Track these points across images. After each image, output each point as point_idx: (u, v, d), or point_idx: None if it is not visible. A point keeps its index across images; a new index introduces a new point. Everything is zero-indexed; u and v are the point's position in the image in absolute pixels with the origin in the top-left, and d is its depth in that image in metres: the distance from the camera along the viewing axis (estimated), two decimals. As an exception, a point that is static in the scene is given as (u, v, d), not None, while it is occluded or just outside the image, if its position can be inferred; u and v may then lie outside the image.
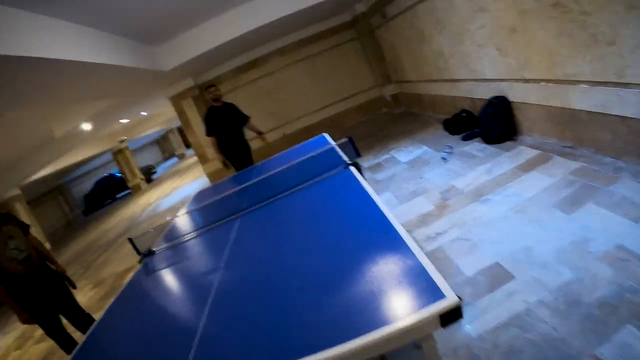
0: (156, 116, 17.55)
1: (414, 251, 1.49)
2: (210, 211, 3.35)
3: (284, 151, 5.07)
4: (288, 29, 8.93)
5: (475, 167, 4.55)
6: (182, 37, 7.09)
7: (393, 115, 9.58)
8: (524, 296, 2.38)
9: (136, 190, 20.36)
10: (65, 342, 3.79)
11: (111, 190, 22.66)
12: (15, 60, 3.42)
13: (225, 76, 9.99)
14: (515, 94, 4.75)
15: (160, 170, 26.93)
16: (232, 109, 6.02)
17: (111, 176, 23.23)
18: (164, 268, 2.75)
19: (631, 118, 3.23)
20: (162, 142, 37.52)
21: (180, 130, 33.10)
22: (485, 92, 5.39)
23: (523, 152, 4.45)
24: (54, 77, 4.51)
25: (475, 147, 5.12)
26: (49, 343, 5.18)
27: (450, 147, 5.25)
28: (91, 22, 4.76)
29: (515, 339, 2.14)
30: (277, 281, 1.86)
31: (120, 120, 12.83)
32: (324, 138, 4.45)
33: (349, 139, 3.06)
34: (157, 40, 6.85)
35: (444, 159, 5.09)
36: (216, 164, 9.65)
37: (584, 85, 3.63)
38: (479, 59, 5.25)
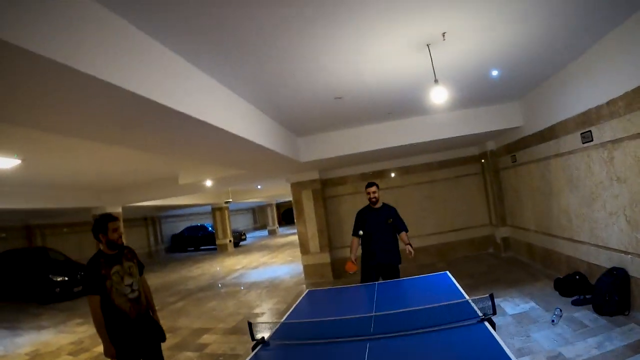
0: (266, 191, 18.71)
1: None
2: (331, 323, 3.29)
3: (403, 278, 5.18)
4: (419, 150, 9.47)
5: (585, 337, 4.41)
6: (324, 136, 7.83)
7: (499, 258, 9.52)
8: None
9: (222, 250, 21.08)
10: None
11: (198, 240, 23.59)
12: (174, 115, 3.63)
13: (349, 179, 10.67)
14: (637, 269, 4.71)
15: (249, 238, 27.78)
16: (391, 213, 5.74)
17: (203, 227, 24.22)
18: None
19: None
20: (257, 212, 39.07)
21: (278, 207, 34.56)
22: (604, 261, 5.37)
23: (635, 331, 4.33)
24: (199, 139, 4.94)
25: (586, 315, 4.99)
26: None
27: (560, 310, 5.13)
28: (246, 95, 5.10)
29: None
30: None
31: (235, 187, 13.90)
32: (447, 276, 4.54)
33: (490, 295, 3.02)
34: (301, 132, 7.60)
35: (552, 321, 4.96)
36: (316, 258, 10.08)
37: None
38: (606, 226, 5.29)
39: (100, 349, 6.09)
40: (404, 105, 6.59)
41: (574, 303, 5.43)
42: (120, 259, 3.72)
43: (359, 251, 5.74)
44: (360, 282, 5.47)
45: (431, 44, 4.05)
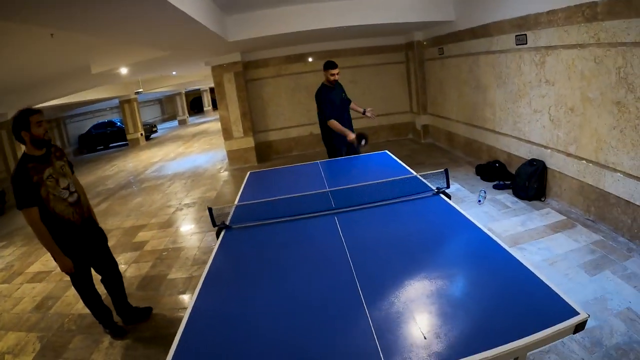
0: (180, 77, 17.72)
1: (547, 283, 1.88)
2: (289, 201, 3.31)
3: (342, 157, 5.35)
4: (348, 35, 9.35)
5: (509, 217, 5.06)
6: (255, 14, 7.30)
7: (420, 143, 10.15)
8: None
9: (134, 145, 20.11)
10: (90, 296, 3.65)
11: (108, 138, 22.15)
12: None
13: (273, 61, 10.36)
14: (555, 162, 5.31)
15: (159, 130, 26.58)
16: (342, 88, 5.69)
17: (111, 123, 22.70)
18: (266, 242, 2.87)
19: None
20: (165, 103, 37.32)
21: (187, 96, 33.18)
22: (524, 152, 5.97)
23: (551, 214, 5.02)
24: (126, 9, 4.03)
25: (507, 198, 5.65)
26: (45, 285, 5.20)
27: (485, 192, 5.69)
28: None
29: None
30: (412, 274, 2.14)
31: (149, 74, 12.96)
32: (387, 154, 4.87)
33: (445, 170, 3.36)
34: (231, 9, 7.04)
35: (479, 201, 5.56)
36: (239, 143, 10.02)
37: (620, 174, 4.25)
38: (529, 122, 5.80)
39: (35, 267, 5.92)
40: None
41: (495, 187, 6.08)
42: (49, 159, 3.26)
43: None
44: (329, 157, 5.61)
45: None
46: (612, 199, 4.38)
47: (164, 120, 35.17)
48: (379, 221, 2.95)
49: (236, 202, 3.73)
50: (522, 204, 5.42)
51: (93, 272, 3.67)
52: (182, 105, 30.74)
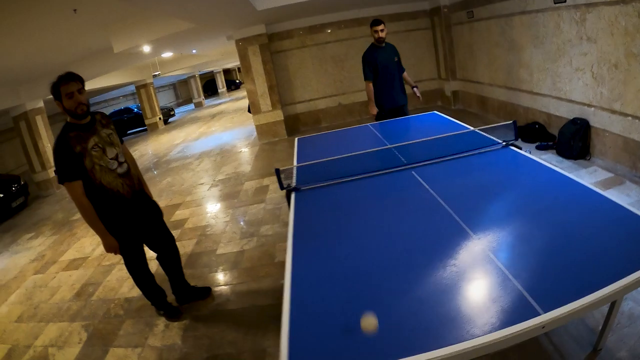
0: (197, 58, 17.67)
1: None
2: (354, 159, 3.24)
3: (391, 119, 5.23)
4: (372, 2, 9.39)
5: None
6: None
7: (450, 110, 10.01)
8: None
9: (153, 129, 20.12)
10: (143, 276, 3.48)
11: (125, 124, 21.97)
12: None
13: (296, 32, 10.29)
14: (599, 120, 5.26)
15: (176, 114, 26.56)
16: (395, 51, 5.53)
17: (128, 109, 22.67)
18: (344, 206, 2.77)
19: None
20: (178, 87, 37.43)
21: (201, 78, 33.12)
22: (565, 112, 5.90)
23: (598, 172, 5.03)
24: None
25: (552, 157, 5.66)
26: (82, 272, 5.09)
27: (530, 151, 5.64)
28: None
29: (633, 309, 2.68)
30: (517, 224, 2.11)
31: (167, 54, 12.90)
32: (437, 114, 4.83)
33: (513, 122, 3.35)
34: None
35: (525, 160, 5.52)
36: (268, 116, 9.99)
37: None
38: (570, 80, 5.72)
39: (69, 255, 5.82)
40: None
41: (539, 148, 6.07)
42: (93, 127, 3.00)
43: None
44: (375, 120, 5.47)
45: None
46: None
47: (179, 105, 35.35)
48: (459, 172, 2.94)
49: (295, 164, 3.61)
50: (568, 162, 5.41)
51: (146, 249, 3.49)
52: (197, 87, 30.67)
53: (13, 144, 13.45)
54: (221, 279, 4.23)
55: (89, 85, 12.19)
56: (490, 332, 1.38)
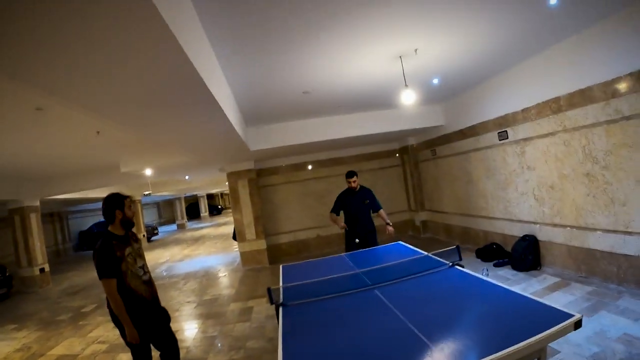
0: (187, 182, 18.43)
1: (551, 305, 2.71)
2: (329, 282, 3.78)
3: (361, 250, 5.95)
4: (350, 144, 10.53)
5: (511, 286, 5.54)
6: (270, 127, 8.45)
7: (419, 238, 10.81)
8: None
9: None
10: None
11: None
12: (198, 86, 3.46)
13: (282, 169, 11.39)
14: (545, 234, 6.20)
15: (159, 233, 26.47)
16: (367, 195, 6.48)
17: None
18: (320, 318, 3.17)
19: (632, 256, 4.78)
20: (162, 207, 37.74)
21: (186, 201, 33.70)
22: (517, 231, 6.84)
23: (547, 279, 5.79)
24: (186, 116, 4.60)
25: (507, 272, 6.42)
26: None
27: (487, 270, 6.42)
28: (230, 78, 5.09)
29: None
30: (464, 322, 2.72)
31: (166, 177, 13.71)
32: (401, 244, 5.60)
33: (457, 247, 4.18)
34: (253, 123, 8.10)
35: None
36: (252, 245, 10.67)
37: (600, 232, 5.18)
38: (518, 204, 6.77)
39: (57, 350, 5.95)
40: (359, 102, 7.47)
41: (496, 265, 6.84)
42: (129, 240, 3.66)
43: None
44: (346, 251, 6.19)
45: (403, 56, 5.03)
46: (597, 254, 5.26)
47: (161, 224, 35.19)
48: (413, 291, 3.53)
49: (281, 285, 4.12)
50: (521, 275, 6.18)
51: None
52: (181, 209, 31.16)
53: (3, 233, 13.60)
54: None
55: (81, 194, 13.24)
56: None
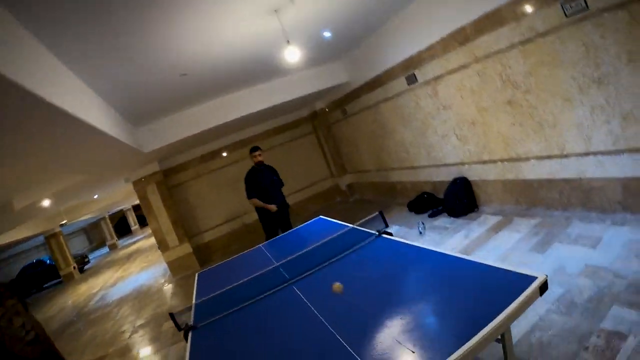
0: (99, 201, 17.32)
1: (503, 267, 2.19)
2: (244, 286, 3.41)
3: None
4: (255, 121, 9.81)
5: (452, 235, 5.34)
6: (163, 122, 7.51)
7: (349, 203, 10.45)
8: (535, 311, 3.07)
9: (68, 280, 18.84)
10: None
11: (40, 278, 20.49)
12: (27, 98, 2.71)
13: (190, 164, 10.47)
14: (475, 173, 5.79)
15: (91, 259, 25.36)
16: (274, 171, 6.38)
17: (41, 262, 21.11)
18: (234, 333, 2.83)
19: (572, 179, 4.41)
20: (89, 231, 35.95)
21: (112, 219, 32.22)
22: (445, 175, 6.41)
23: (488, 219, 5.40)
24: (53, 131, 3.81)
25: (444, 221, 5.97)
26: None
27: (423, 224, 6.01)
28: (87, 79, 4.25)
29: (542, 337, 2.84)
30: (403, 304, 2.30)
31: (71, 202, 12.60)
32: (322, 219, 5.16)
33: (379, 213, 3.67)
34: (140, 121, 7.17)
35: (420, 232, 5.82)
36: (177, 251, 9.92)
37: (534, 160, 4.77)
38: (440, 148, 6.31)
39: None
40: (247, 73, 6.70)
41: (431, 216, 6.40)
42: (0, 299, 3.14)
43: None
44: (266, 240, 5.79)
45: (278, 10, 4.30)
46: (535, 184, 4.87)
47: (93, 249, 33.49)
48: (336, 276, 3.04)
49: (193, 301, 3.71)
50: (459, 220, 5.76)
51: None
52: (108, 229, 29.71)
53: None
54: None
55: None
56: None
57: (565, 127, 4.26)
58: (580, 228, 4.12)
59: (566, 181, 4.48)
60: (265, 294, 3.18)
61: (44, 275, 20.64)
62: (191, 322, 3.14)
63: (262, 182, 6.12)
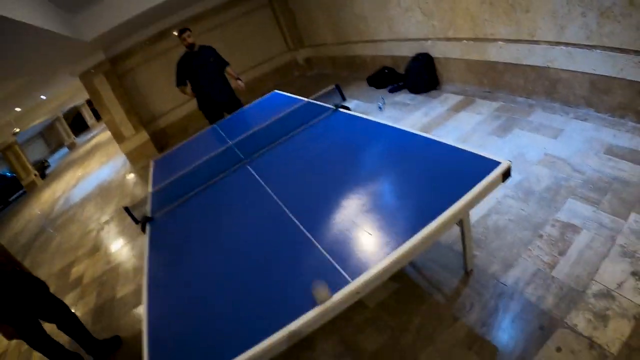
0: (48, 102, 16.46)
1: (466, 149, 2.11)
2: (199, 170, 3.35)
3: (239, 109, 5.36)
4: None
5: (412, 112, 5.26)
6: (101, 5, 6.78)
7: (307, 77, 10.18)
8: (493, 195, 3.08)
9: (31, 188, 18.47)
10: (51, 348, 3.36)
11: (4, 193, 19.54)
12: None
13: (137, 48, 9.74)
14: (438, 50, 5.53)
15: (52, 163, 24.69)
16: (210, 52, 5.79)
17: (1, 177, 20.07)
18: (194, 216, 2.82)
19: (539, 67, 4.18)
20: (46, 133, 34.69)
21: (66, 117, 31.06)
22: (407, 51, 6.12)
23: (450, 98, 5.29)
24: None
25: (405, 97, 5.86)
26: None
27: (383, 99, 5.84)
28: None
29: (498, 221, 2.92)
30: (352, 184, 2.24)
31: (17, 108, 11.91)
32: (278, 93, 4.98)
33: (336, 86, 3.48)
34: (76, 8, 6.48)
35: (380, 108, 5.73)
36: (134, 141, 9.65)
37: (501, 42, 4.51)
38: (403, 21, 5.95)
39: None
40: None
41: (391, 91, 6.26)
42: None
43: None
44: (210, 124, 5.56)
45: None
46: (500, 67, 4.67)
47: (52, 152, 32.56)
48: (291, 154, 3.01)
49: (149, 191, 3.61)
50: (420, 97, 5.65)
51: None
52: (64, 129, 28.79)
53: None
54: (128, 322, 4.05)
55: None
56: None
57: (538, 13, 3.95)
58: (542, 117, 4.05)
59: (532, 68, 4.29)
60: (220, 176, 3.15)
61: (7, 190, 19.84)
62: (149, 214, 3.11)
63: (196, 69, 5.61)
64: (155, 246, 2.64)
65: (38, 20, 4.33)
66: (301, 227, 2.03)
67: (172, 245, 2.60)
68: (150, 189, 3.72)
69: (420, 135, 2.43)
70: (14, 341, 5.00)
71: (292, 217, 2.15)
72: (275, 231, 2.14)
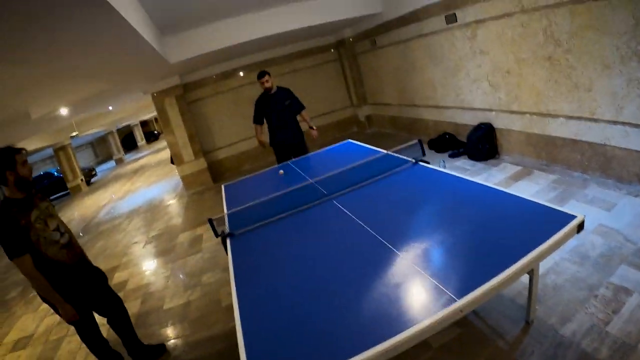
0: (111, 114, 17.30)
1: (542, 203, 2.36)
2: (280, 199, 3.45)
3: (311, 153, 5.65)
4: (280, 42, 9.59)
5: (472, 177, 5.29)
6: (190, 33, 7.30)
7: (366, 134, 10.51)
8: (551, 257, 3.23)
9: (75, 192, 18.97)
10: (98, 342, 3.39)
11: (48, 190, 20.41)
12: None
13: (210, 80, 10.38)
14: (501, 121, 5.84)
15: (98, 173, 25.25)
16: (287, 94, 5.99)
17: (48, 174, 21.27)
18: (274, 240, 2.95)
19: (597, 143, 4.47)
20: (96, 145, 36.22)
21: (119, 134, 32.31)
22: (470, 119, 6.47)
23: (508, 167, 5.54)
24: (92, 28, 3.50)
25: (465, 163, 6.13)
26: (31, 351, 4.77)
27: (444, 161, 6.10)
28: None
29: (556, 280, 3.10)
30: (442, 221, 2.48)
31: (83, 114, 12.56)
32: (351, 142, 5.26)
33: (418, 141, 3.76)
34: (168, 30, 6.99)
35: (443, 167, 5.91)
36: (192, 166, 10.06)
37: (562, 119, 4.81)
38: (470, 91, 6.30)
39: (12, 336, 5.42)
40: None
41: (451, 156, 6.54)
42: (32, 201, 2.97)
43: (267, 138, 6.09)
44: (278, 164, 5.74)
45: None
46: (559, 141, 4.94)
47: (99, 163, 33.94)
48: (375, 195, 3.19)
49: (225, 211, 3.72)
50: (479, 165, 5.90)
51: (97, 316, 3.40)
52: (115, 143, 29.75)
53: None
54: (173, 333, 4.14)
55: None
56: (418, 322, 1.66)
57: (599, 93, 4.27)
58: (596, 191, 4.27)
59: (590, 144, 4.56)
60: (304, 207, 3.28)
61: (52, 187, 20.75)
62: (227, 230, 3.23)
63: (270, 110, 5.88)
64: (238, 259, 2.76)
65: (145, 31, 4.70)
66: (395, 250, 2.24)
67: (256, 260, 2.72)
68: (225, 210, 3.85)
69: (500, 190, 2.66)
70: (43, 327, 5.24)
71: (384, 242, 2.36)
72: (367, 253, 2.32)
